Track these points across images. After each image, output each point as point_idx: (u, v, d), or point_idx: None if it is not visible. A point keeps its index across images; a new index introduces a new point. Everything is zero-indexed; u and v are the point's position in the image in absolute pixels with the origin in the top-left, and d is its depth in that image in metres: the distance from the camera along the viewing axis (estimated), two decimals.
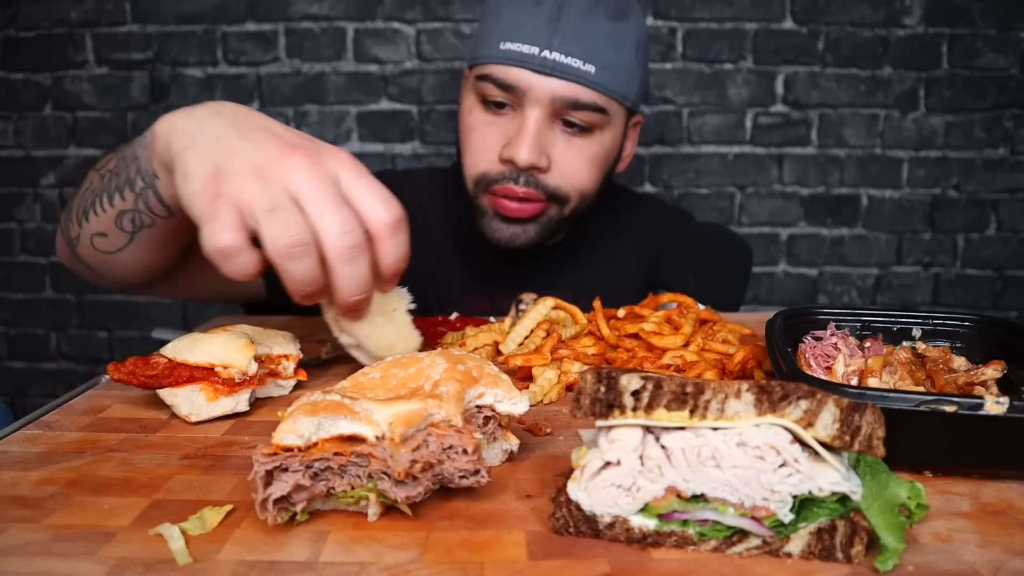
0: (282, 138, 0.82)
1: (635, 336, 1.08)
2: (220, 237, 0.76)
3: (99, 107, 2.47)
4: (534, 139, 1.35)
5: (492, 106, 1.40)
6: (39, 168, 2.53)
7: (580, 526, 0.59)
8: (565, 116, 1.37)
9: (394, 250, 0.83)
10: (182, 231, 1.03)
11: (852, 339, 0.92)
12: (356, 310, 0.85)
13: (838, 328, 0.95)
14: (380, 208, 0.81)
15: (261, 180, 0.77)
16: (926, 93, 2.44)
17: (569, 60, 1.32)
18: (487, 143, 1.40)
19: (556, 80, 1.33)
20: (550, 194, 1.41)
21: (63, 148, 2.51)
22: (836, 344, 0.90)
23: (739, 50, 2.43)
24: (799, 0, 2.39)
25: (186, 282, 1.24)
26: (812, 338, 0.93)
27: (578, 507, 0.59)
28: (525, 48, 1.33)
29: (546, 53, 1.32)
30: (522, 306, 1.27)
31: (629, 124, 1.52)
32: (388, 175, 1.71)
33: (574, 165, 1.40)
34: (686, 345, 1.03)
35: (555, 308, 1.16)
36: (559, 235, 1.54)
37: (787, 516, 0.56)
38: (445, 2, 2.40)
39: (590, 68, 1.33)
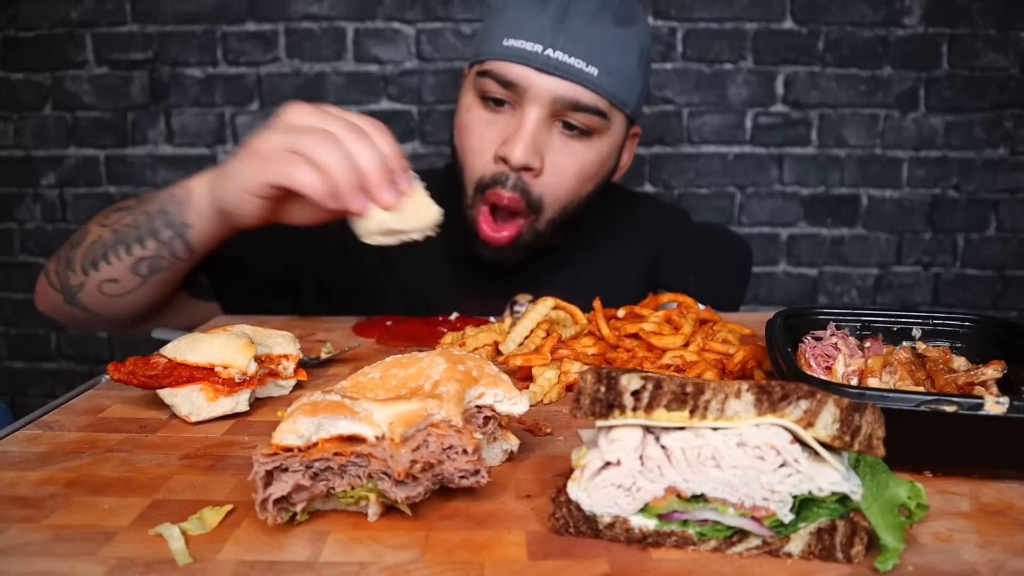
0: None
1: (635, 336, 1.08)
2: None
3: (99, 107, 2.47)
4: (531, 138, 1.32)
5: (491, 103, 1.37)
6: (39, 168, 2.52)
7: (580, 526, 0.59)
8: (565, 117, 1.34)
9: (388, 145, 1.03)
10: (186, 270, 1.25)
11: (852, 339, 0.92)
12: (384, 193, 1.02)
13: (838, 328, 0.95)
14: (364, 120, 1.05)
15: (278, 130, 1.04)
16: (926, 93, 2.44)
17: (572, 60, 1.30)
18: (485, 142, 1.38)
19: (558, 79, 1.31)
20: (532, 202, 1.38)
21: (63, 148, 2.51)
22: (836, 344, 0.90)
23: (739, 50, 2.43)
24: (799, 0, 2.39)
25: (169, 318, 1.39)
26: (812, 338, 0.93)
27: (578, 507, 0.59)
28: (528, 45, 1.31)
29: (549, 52, 1.30)
30: (517, 307, 1.26)
31: (628, 134, 1.50)
32: None
33: (564, 172, 1.37)
34: (686, 345, 1.03)
35: (555, 308, 1.16)
36: (550, 242, 1.51)
37: (787, 516, 0.56)
38: (445, 2, 2.40)
39: (593, 70, 1.31)
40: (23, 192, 2.55)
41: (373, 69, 2.44)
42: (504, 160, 1.35)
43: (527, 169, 1.35)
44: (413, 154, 2.49)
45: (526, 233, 1.41)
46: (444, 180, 1.59)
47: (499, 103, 1.36)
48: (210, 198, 1.15)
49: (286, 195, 1.08)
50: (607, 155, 1.42)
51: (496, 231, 1.40)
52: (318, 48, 2.43)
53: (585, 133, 1.36)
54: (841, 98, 2.45)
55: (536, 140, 1.33)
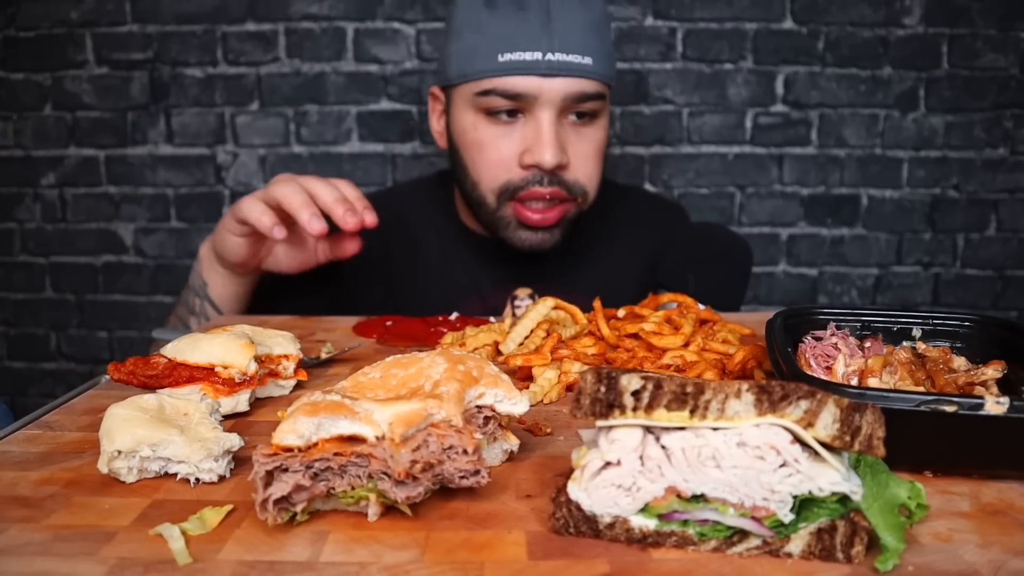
0: None
1: (635, 336, 1.08)
2: (249, 206, 1.25)
3: (99, 107, 2.47)
4: (553, 139, 1.38)
5: (502, 116, 1.41)
6: (39, 168, 2.52)
7: (580, 526, 0.59)
8: (574, 110, 1.41)
9: (350, 190, 1.28)
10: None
11: (852, 339, 0.92)
12: (340, 216, 1.22)
13: (838, 328, 0.95)
14: (336, 180, 1.30)
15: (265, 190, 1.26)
16: (926, 93, 2.44)
17: (572, 57, 1.36)
18: (504, 154, 1.42)
19: (562, 79, 1.36)
20: (570, 189, 1.44)
21: (63, 148, 2.51)
22: (836, 344, 0.90)
23: (739, 50, 2.43)
24: (799, 0, 2.39)
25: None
26: (812, 338, 0.93)
27: (578, 507, 0.59)
28: (528, 55, 1.35)
29: (549, 56, 1.35)
30: (517, 302, 1.28)
31: None
32: (370, 197, 1.69)
33: (589, 157, 1.46)
34: (686, 345, 1.03)
35: (555, 308, 1.16)
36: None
37: (787, 516, 0.56)
38: (445, 2, 2.40)
39: (588, 60, 1.38)
40: (23, 192, 2.55)
41: (373, 69, 2.44)
42: (534, 165, 1.40)
43: (559, 167, 1.41)
44: (413, 154, 2.49)
45: (571, 214, 1.49)
46: (436, 188, 1.63)
47: (510, 114, 1.41)
48: (208, 249, 1.37)
49: (261, 238, 1.31)
50: (606, 129, 1.52)
51: (544, 213, 1.44)
52: (318, 48, 2.43)
53: (592, 117, 1.44)
54: (841, 98, 2.45)
55: (558, 139, 1.39)
